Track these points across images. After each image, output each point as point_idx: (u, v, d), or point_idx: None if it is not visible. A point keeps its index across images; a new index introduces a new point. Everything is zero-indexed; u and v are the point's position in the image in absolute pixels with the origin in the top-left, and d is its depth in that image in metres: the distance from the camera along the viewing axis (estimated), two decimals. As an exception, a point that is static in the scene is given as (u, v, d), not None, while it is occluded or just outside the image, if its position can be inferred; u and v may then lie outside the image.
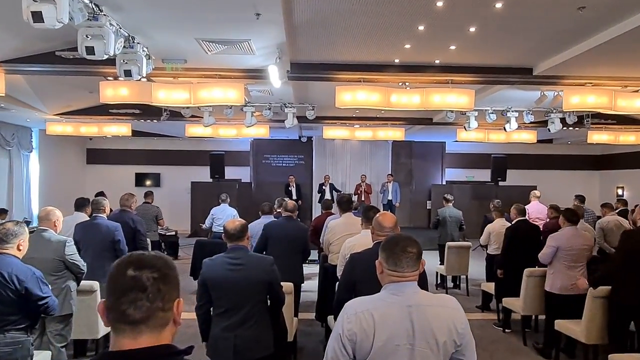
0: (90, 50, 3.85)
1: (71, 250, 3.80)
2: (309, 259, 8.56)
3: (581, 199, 7.79)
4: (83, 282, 4.02)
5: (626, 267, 3.95)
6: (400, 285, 1.80)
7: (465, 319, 1.83)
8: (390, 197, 12.48)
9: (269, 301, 3.10)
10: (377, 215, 3.09)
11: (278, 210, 5.96)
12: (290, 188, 12.87)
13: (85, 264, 3.89)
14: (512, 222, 5.93)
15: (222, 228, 2.97)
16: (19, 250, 3.04)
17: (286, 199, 6.15)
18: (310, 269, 8.52)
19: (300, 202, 13.06)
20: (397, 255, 1.81)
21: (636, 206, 6.03)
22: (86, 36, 3.81)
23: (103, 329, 4.33)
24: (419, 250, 1.85)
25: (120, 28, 4.24)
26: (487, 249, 6.72)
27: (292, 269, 4.64)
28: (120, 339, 1.09)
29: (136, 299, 1.09)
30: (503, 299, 5.60)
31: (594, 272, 4.44)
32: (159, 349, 1.09)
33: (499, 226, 6.48)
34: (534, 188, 12.18)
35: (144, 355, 1.07)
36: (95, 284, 4.29)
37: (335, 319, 3.26)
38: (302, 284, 5.00)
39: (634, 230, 4.21)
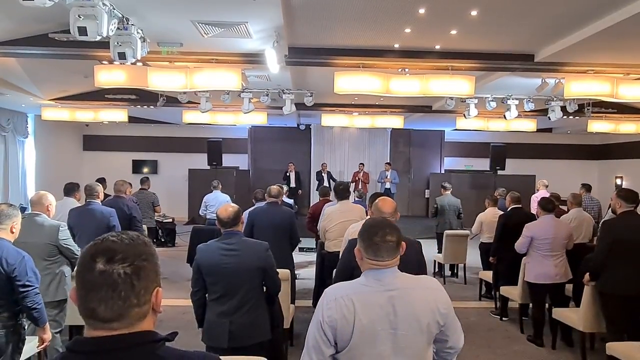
0: (82, 30, 3.75)
1: (65, 235, 3.76)
2: (307, 247, 8.65)
3: (587, 187, 7.81)
4: (77, 268, 3.97)
5: (612, 256, 3.92)
6: (380, 272, 1.76)
7: (448, 299, 1.80)
8: (388, 186, 12.44)
9: (264, 287, 3.06)
10: (377, 200, 3.04)
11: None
12: (288, 174, 12.79)
13: (79, 249, 3.84)
14: (507, 210, 5.91)
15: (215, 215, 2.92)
16: (12, 232, 2.99)
17: (284, 186, 6.13)
18: (308, 257, 8.52)
19: (300, 191, 13.01)
20: (377, 246, 1.76)
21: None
22: (78, 16, 3.71)
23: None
24: (399, 238, 1.79)
25: (114, 8, 4.13)
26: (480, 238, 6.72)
27: (280, 257, 4.54)
28: (92, 331, 1.00)
29: (106, 298, 0.97)
30: (500, 288, 5.59)
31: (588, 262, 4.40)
32: (137, 336, 1.00)
33: (490, 215, 6.48)
34: (533, 177, 12.20)
35: (121, 341, 0.98)
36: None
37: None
38: (295, 272, 4.91)
39: (614, 219, 4.17)
